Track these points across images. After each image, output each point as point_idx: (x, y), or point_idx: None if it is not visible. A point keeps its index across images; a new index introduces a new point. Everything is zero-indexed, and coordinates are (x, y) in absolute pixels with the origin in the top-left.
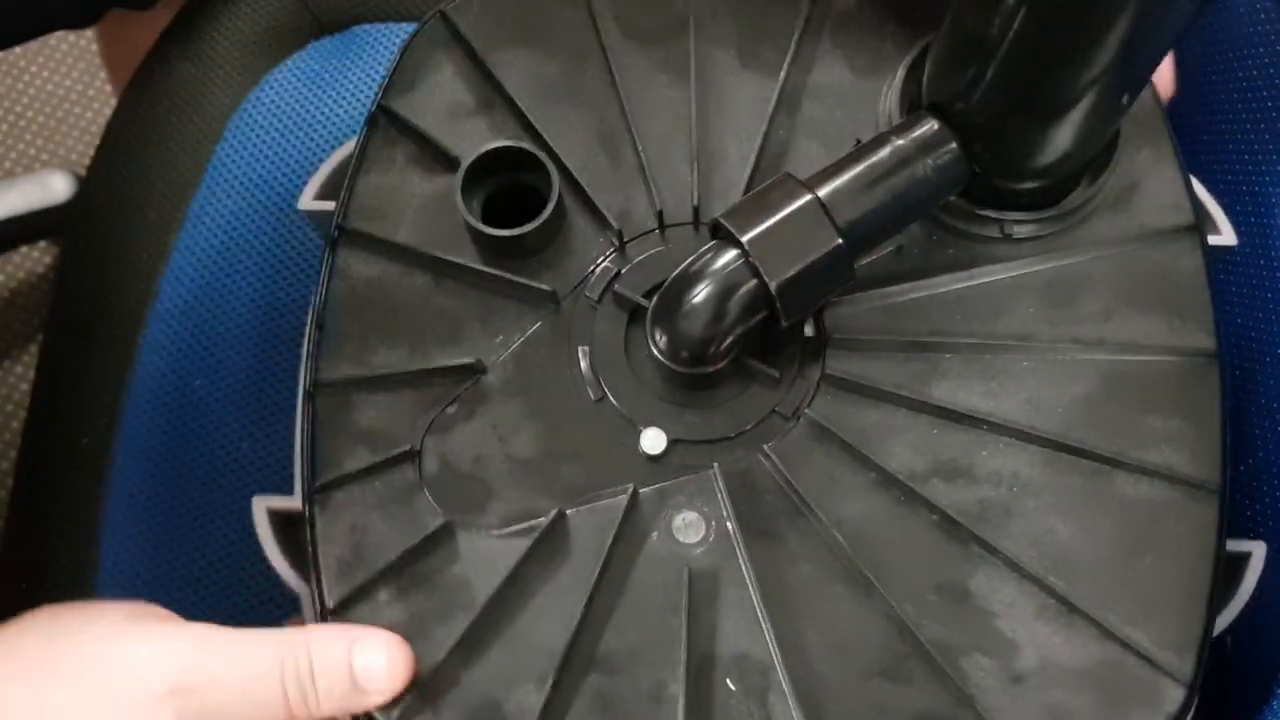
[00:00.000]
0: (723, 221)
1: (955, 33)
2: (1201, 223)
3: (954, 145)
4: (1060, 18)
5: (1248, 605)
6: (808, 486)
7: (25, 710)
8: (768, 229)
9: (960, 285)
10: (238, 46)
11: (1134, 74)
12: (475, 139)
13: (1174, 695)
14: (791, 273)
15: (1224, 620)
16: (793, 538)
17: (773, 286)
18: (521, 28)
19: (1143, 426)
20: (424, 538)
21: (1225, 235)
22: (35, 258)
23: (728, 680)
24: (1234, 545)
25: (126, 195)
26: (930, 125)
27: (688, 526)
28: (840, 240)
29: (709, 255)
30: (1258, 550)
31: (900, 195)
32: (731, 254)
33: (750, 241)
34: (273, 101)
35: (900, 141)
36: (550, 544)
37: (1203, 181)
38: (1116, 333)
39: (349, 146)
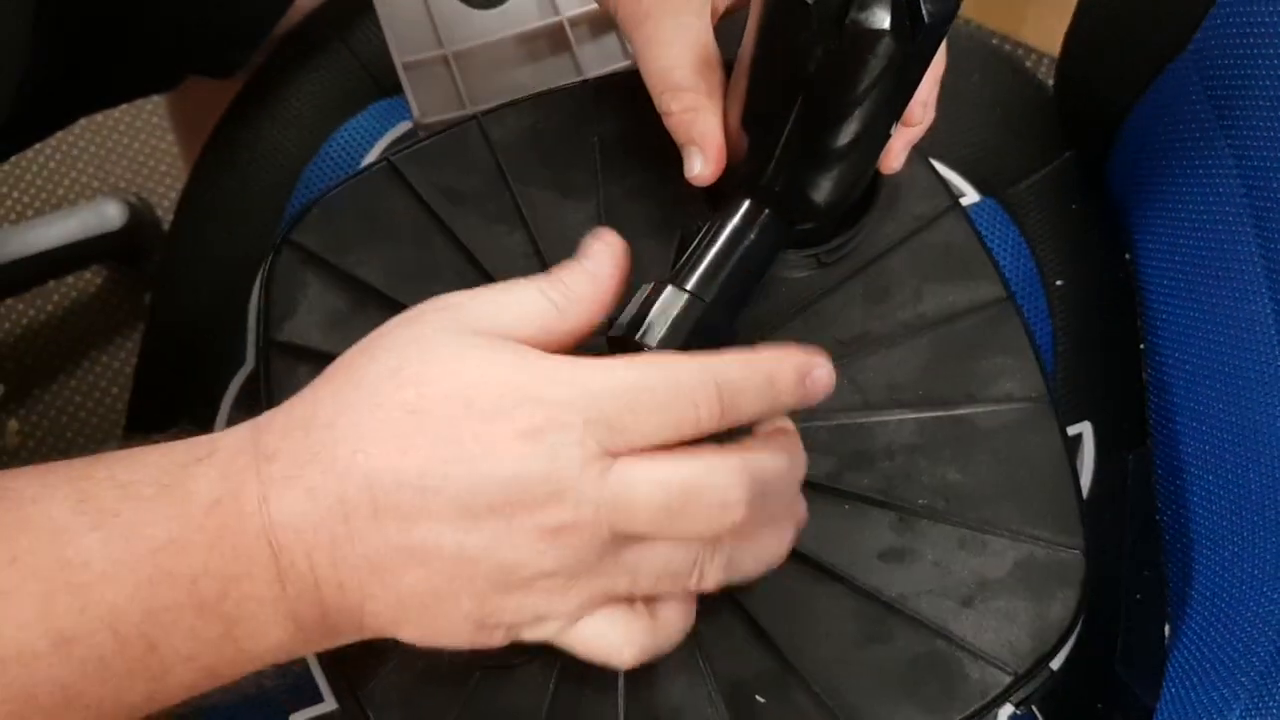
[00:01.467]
0: (625, 336)
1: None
2: (955, 198)
3: (767, 211)
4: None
5: None
6: None
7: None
8: (667, 332)
9: (805, 314)
10: (309, 107)
11: (877, 146)
12: (362, 336)
13: (1079, 563)
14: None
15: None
16: None
17: None
18: (362, 228)
19: (978, 371)
20: None
21: (969, 196)
22: (88, 279)
23: (757, 696)
24: (1070, 429)
25: (209, 235)
26: (745, 203)
27: None
28: (722, 318)
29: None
30: (1086, 430)
31: (745, 260)
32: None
33: (658, 345)
34: (338, 157)
35: (731, 223)
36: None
37: None
38: (930, 308)
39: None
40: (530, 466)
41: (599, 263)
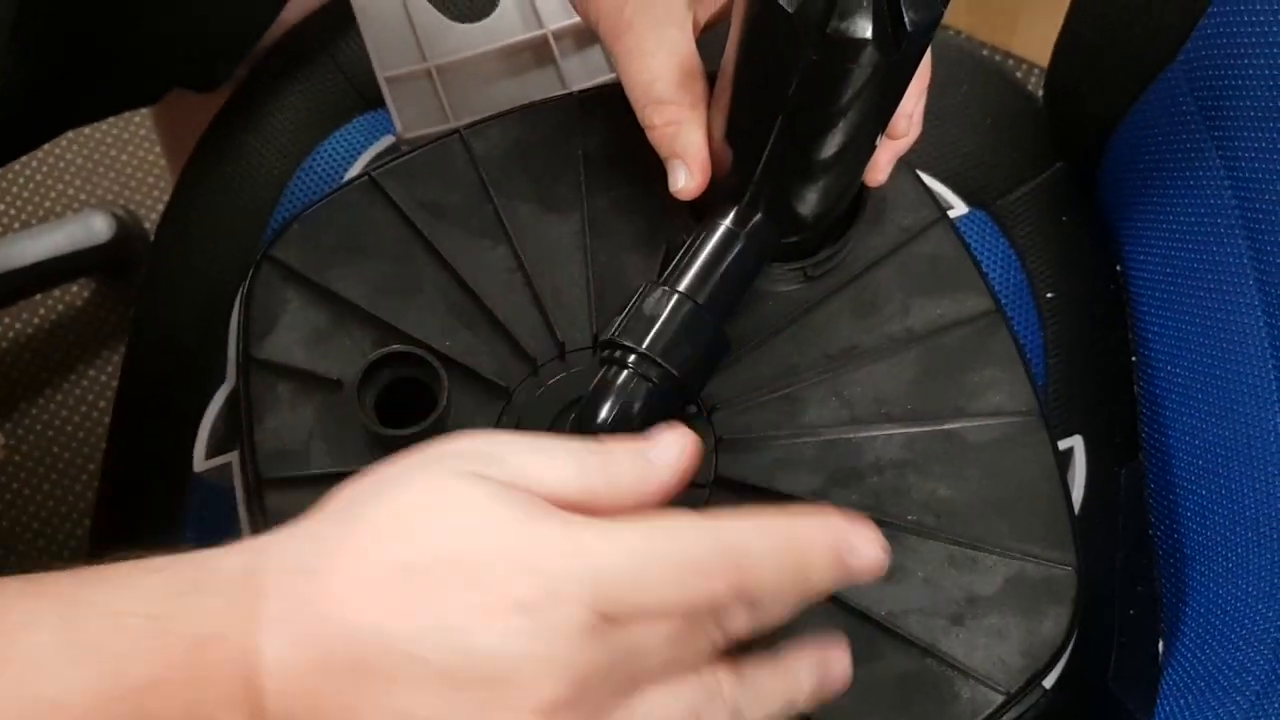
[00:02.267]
0: (617, 339)
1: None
2: (942, 210)
3: (760, 216)
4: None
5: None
6: None
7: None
8: (657, 331)
9: (792, 328)
10: (293, 120)
11: (862, 158)
12: (343, 354)
13: (1071, 580)
14: (689, 357)
15: (1075, 500)
16: None
17: (678, 374)
18: (343, 244)
19: (967, 385)
20: None
21: (958, 208)
22: (75, 292)
23: None
24: (1061, 444)
25: (193, 249)
26: (732, 212)
27: None
28: (711, 320)
29: (612, 371)
30: (1078, 443)
31: (734, 265)
32: (631, 361)
33: (647, 346)
34: (323, 170)
35: (719, 231)
36: None
37: None
38: (918, 321)
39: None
40: (524, 645)
41: (660, 453)
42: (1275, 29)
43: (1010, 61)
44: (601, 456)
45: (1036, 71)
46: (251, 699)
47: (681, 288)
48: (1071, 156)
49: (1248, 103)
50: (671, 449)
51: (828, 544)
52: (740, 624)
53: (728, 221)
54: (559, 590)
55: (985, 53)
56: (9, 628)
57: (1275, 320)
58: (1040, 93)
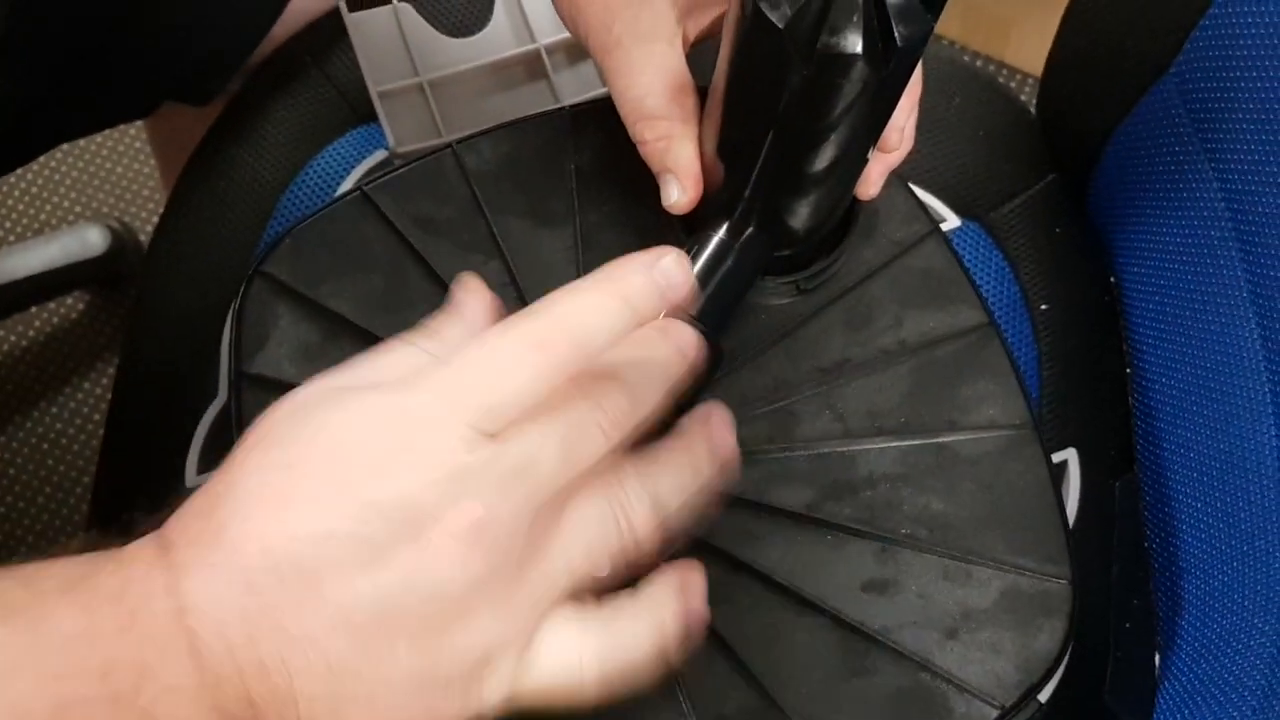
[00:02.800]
0: None
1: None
2: (935, 223)
3: (752, 229)
4: (793, 155)
5: None
6: (733, 547)
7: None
8: None
9: (785, 342)
10: (285, 134)
11: (854, 171)
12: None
13: (1066, 594)
14: None
15: (1069, 512)
16: (740, 596)
17: None
18: (334, 258)
19: (959, 399)
20: None
21: (950, 220)
22: (69, 305)
23: None
24: (1056, 456)
25: (186, 263)
26: (725, 225)
27: None
28: (705, 333)
29: None
30: (1071, 456)
31: (728, 276)
32: None
33: None
34: (315, 184)
35: (712, 243)
36: None
37: None
38: (911, 334)
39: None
40: (419, 476)
41: (471, 308)
42: (1268, 41)
43: (1003, 72)
44: (430, 334)
45: (1030, 81)
46: (186, 641)
47: None
48: (1065, 168)
49: (1240, 115)
50: (473, 300)
51: (635, 267)
52: (618, 404)
53: (720, 235)
54: (427, 419)
55: (978, 64)
56: None
57: (1269, 332)
58: (1033, 103)
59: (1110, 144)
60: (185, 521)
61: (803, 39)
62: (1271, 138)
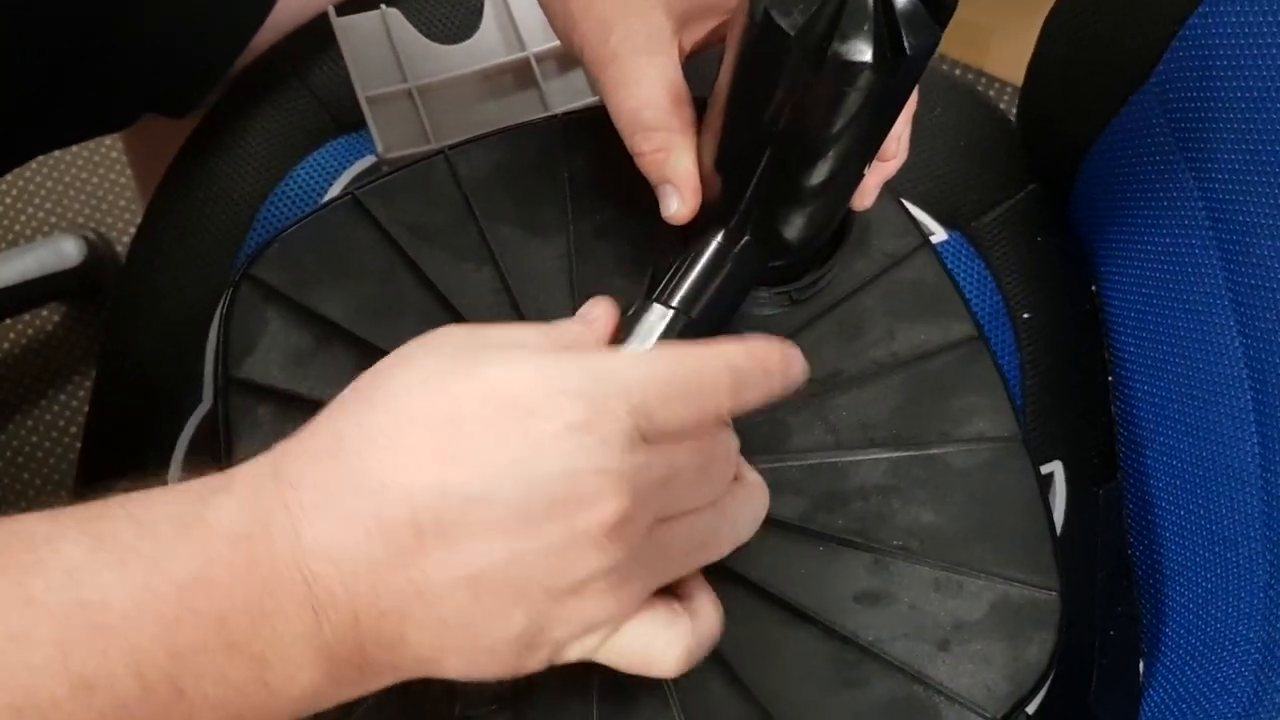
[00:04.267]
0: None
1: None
2: (926, 236)
3: (747, 239)
4: (795, 165)
5: None
6: (726, 558)
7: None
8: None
9: None
10: (264, 144)
11: (853, 181)
12: (325, 375)
13: (1055, 605)
14: None
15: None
16: (732, 608)
17: None
18: (324, 263)
19: (950, 411)
20: None
21: (939, 234)
22: (45, 317)
23: None
24: (1042, 469)
25: (164, 274)
26: (720, 234)
27: None
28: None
29: None
30: (1057, 469)
31: (725, 285)
32: None
33: None
34: (295, 194)
35: (708, 252)
36: (544, 707)
37: None
38: (902, 346)
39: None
40: (586, 460)
41: (591, 312)
42: (1248, 51)
43: (983, 81)
44: (552, 325)
45: (1010, 90)
46: (307, 589)
47: (675, 304)
48: (1046, 177)
49: (1220, 124)
50: (598, 305)
51: (782, 357)
52: (733, 452)
53: (716, 244)
54: (601, 406)
55: (958, 73)
56: (35, 541)
57: (1250, 339)
58: (1013, 112)
59: (1091, 153)
60: (316, 460)
61: (812, 47)
62: (1252, 146)
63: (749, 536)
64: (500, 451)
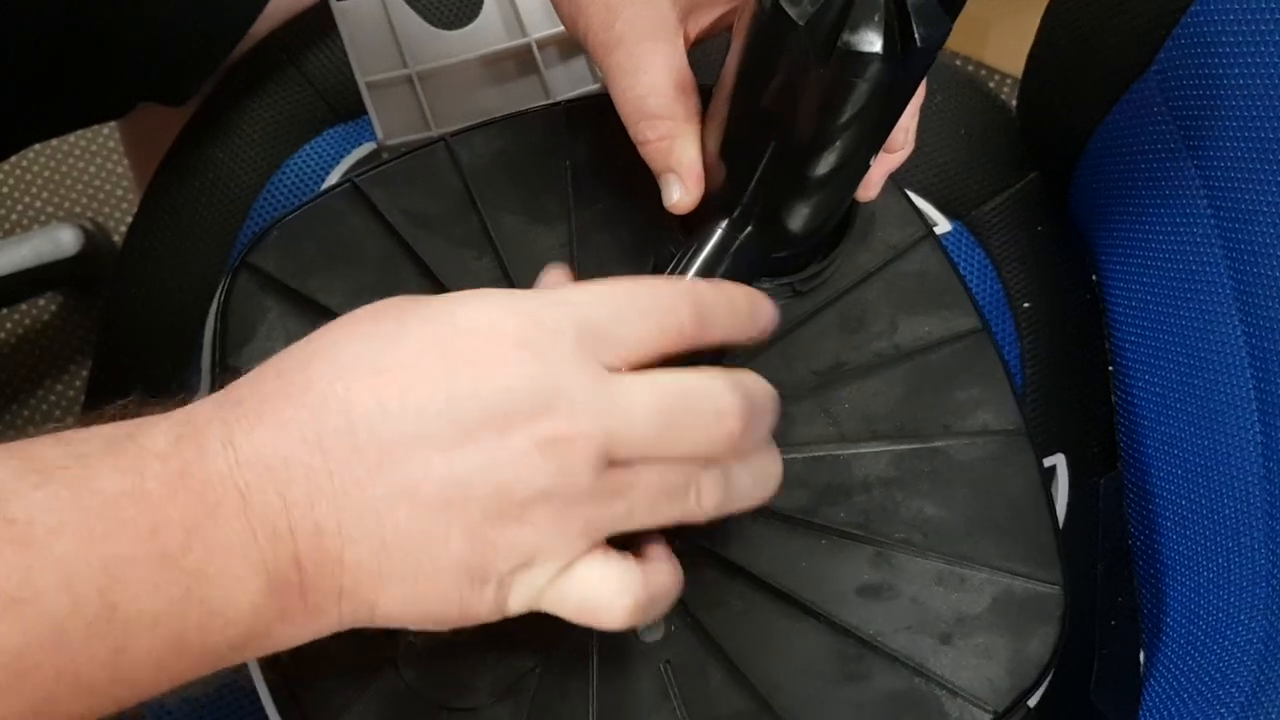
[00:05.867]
0: None
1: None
2: (929, 227)
3: (750, 228)
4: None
5: None
6: (728, 551)
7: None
8: None
9: (780, 344)
10: (260, 133)
11: (859, 172)
12: None
13: (1058, 599)
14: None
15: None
16: (734, 601)
17: None
18: (322, 251)
19: (953, 403)
20: None
21: (942, 224)
22: (42, 306)
23: None
24: (1044, 461)
25: (160, 264)
26: (724, 223)
27: (649, 629)
28: None
29: None
30: (1060, 462)
31: (731, 271)
32: None
33: None
34: (292, 183)
35: (711, 241)
36: (542, 699)
37: None
38: (905, 338)
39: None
40: (525, 374)
41: (547, 279)
42: (1249, 37)
43: (981, 72)
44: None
45: (1009, 81)
46: (240, 497)
47: None
48: (1046, 166)
49: (1222, 111)
50: (560, 274)
51: (749, 298)
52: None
53: (720, 234)
54: (545, 324)
55: (957, 63)
56: None
57: (1252, 328)
58: (1013, 103)
59: (1091, 141)
60: (261, 378)
61: (822, 37)
62: (1255, 134)
63: (749, 505)
64: (440, 366)
